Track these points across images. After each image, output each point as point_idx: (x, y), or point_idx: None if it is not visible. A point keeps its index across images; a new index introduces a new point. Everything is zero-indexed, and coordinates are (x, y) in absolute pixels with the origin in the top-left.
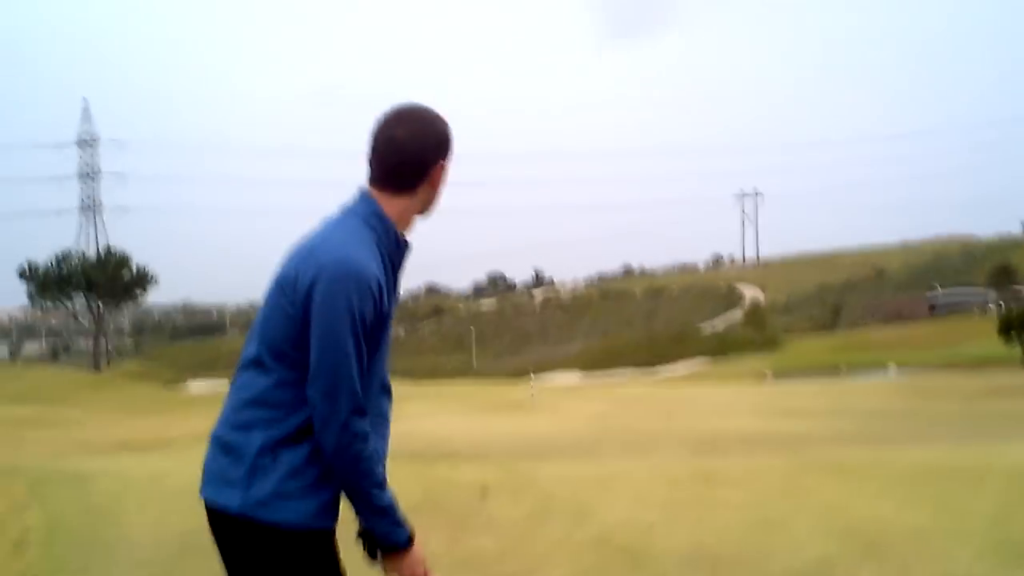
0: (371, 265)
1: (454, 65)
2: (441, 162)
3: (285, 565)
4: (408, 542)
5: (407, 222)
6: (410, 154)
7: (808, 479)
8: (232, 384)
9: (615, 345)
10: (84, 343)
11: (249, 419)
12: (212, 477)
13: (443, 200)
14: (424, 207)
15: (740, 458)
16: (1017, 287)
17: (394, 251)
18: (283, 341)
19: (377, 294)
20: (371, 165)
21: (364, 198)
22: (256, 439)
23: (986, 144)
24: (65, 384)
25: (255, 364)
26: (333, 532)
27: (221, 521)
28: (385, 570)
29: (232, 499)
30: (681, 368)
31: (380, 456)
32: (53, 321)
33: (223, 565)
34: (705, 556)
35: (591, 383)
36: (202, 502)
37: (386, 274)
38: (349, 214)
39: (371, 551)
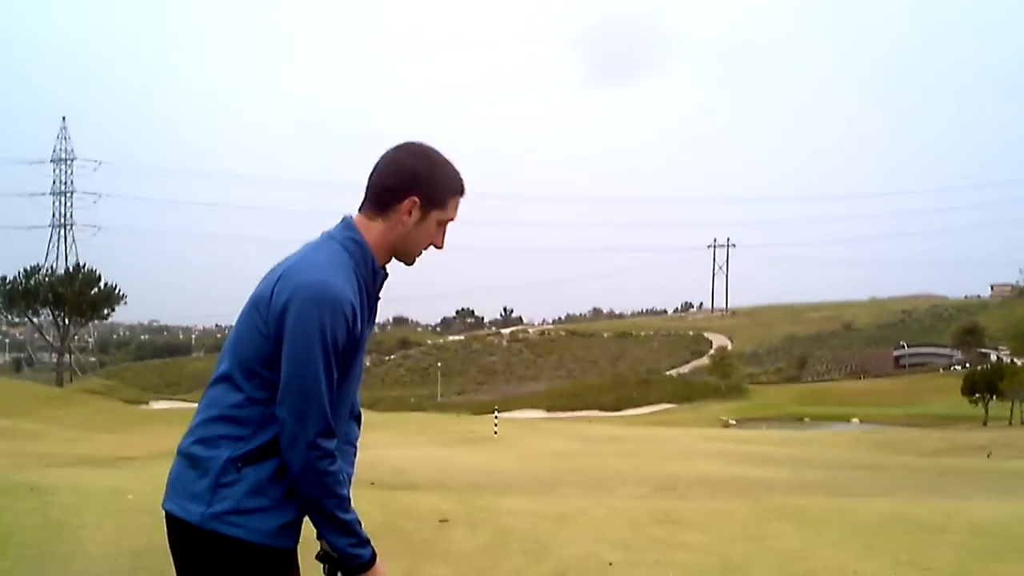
0: (346, 289)
1: (436, 104)
2: (413, 196)
3: None
4: (371, 561)
5: (384, 250)
6: (385, 176)
7: (770, 525)
8: (202, 399)
9: (580, 386)
10: (48, 357)
11: (216, 434)
12: (176, 489)
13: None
14: (398, 241)
15: (702, 501)
16: (983, 350)
17: (370, 278)
18: (254, 360)
19: (350, 318)
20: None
21: (346, 224)
22: (222, 454)
23: (958, 209)
24: (27, 397)
25: (226, 380)
26: (294, 552)
27: (181, 532)
28: None
29: (194, 512)
30: (645, 411)
31: (346, 478)
32: (18, 334)
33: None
34: None
35: (554, 420)
36: (163, 514)
37: (361, 299)
38: (329, 238)
39: (331, 572)
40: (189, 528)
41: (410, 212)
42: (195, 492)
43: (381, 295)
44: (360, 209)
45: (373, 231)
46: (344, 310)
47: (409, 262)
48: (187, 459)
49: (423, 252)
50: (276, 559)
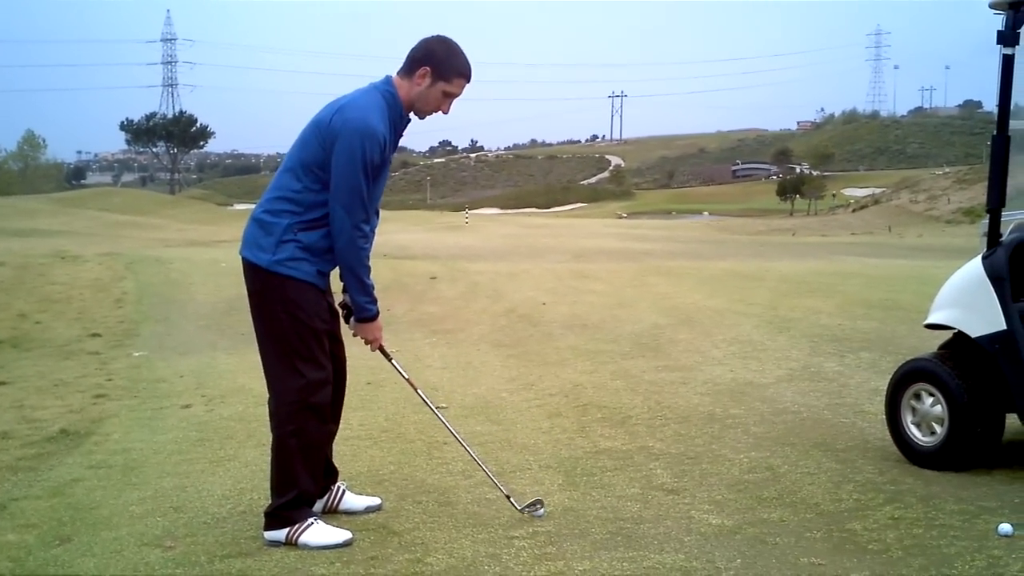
0: (380, 126)
1: None
2: (427, 67)
3: (290, 302)
4: (376, 315)
5: (408, 102)
6: (413, 51)
7: (648, 277)
8: (272, 182)
9: (523, 191)
10: (163, 175)
11: (280, 208)
12: (250, 242)
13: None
14: (415, 99)
15: (603, 264)
16: (791, 164)
17: (398, 119)
18: (312, 162)
19: (382, 145)
20: None
21: (387, 80)
22: (283, 221)
23: (777, 69)
24: (151, 203)
25: (290, 172)
26: (325, 292)
27: (253, 272)
28: (353, 332)
29: (263, 258)
30: (566, 208)
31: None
32: (142, 160)
33: (249, 302)
34: (578, 323)
35: (506, 214)
36: (240, 260)
37: (390, 132)
38: (373, 88)
39: (347, 317)
40: (259, 269)
41: (423, 78)
42: (263, 245)
43: (404, 134)
44: (398, 72)
45: (402, 88)
46: (378, 140)
47: (421, 117)
48: (258, 223)
49: (432, 113)
50: (313, 291)
